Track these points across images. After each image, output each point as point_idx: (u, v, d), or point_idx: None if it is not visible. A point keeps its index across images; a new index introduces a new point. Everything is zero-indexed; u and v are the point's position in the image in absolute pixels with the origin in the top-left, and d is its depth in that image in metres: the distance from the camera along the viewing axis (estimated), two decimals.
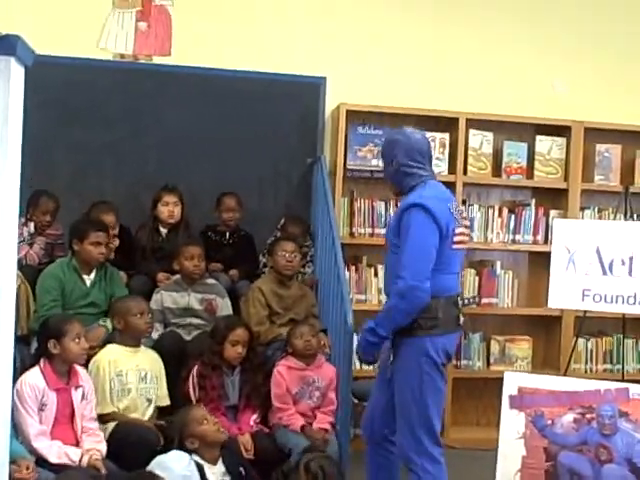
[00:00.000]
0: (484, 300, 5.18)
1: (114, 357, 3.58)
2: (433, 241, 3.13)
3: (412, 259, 3.09)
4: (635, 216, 5.20)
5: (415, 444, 3.18)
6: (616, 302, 3.82)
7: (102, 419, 3.43)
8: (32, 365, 3.27)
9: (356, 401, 4.34)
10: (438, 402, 3.24)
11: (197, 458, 3.17)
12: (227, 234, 4.79)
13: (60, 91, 4.74)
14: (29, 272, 4.02)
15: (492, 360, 5.20)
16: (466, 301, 4.73)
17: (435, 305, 3.17)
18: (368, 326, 3.21)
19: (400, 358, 3.21)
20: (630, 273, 3.81)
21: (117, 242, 4.34)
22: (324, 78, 5.09)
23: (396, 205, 5.05)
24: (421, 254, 3.11)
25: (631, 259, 3.80)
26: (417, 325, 3.15)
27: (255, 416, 3.77)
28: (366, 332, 3.21)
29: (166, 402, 3.71)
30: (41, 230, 4.41)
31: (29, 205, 4.37)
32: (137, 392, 3.58)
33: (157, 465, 3.03)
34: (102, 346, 3.69)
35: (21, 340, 3.78)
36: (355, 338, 3.61)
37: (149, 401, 3.63)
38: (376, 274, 4.98)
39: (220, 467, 3.24)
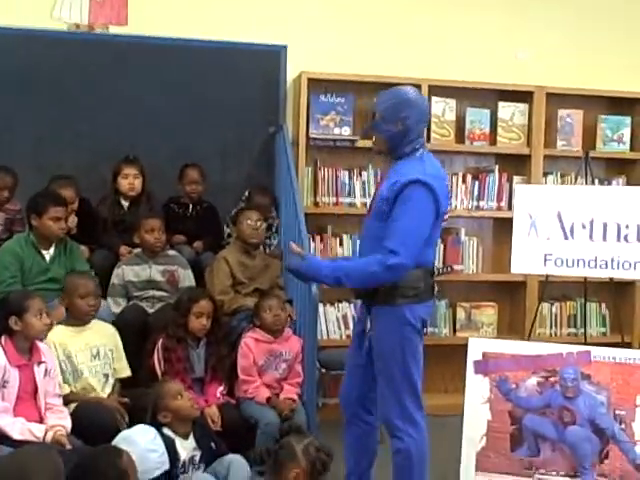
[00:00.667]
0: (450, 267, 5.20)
1: (60, 339, 3.51)
2: (430, 221, 3.11)
3: (409, 237, 3.04)
4: (596, 181, 5.26)
5: (400, 410, 3.20)
6: (577, 266, 3.86)
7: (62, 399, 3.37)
8: None
9: (324, 370, 4.36)
10: (420, 367, 3.27)
11: (169, 432, 3.15)
12: (190, 206, 4.74)
13: (15, 63, 4.66)
14: None
15: (458, 326, 5.25)
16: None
17: (417, 276, 3.16)
18: (331, 266, 3.13)
19: (380, 327, 3.20)
20: (591, 237, 3.84)
21: (75, 220, 4.27)
22: (285, 46, 5.03)
23: (360, 174, 5.05)
24: (418, 234, 3.07)
25: (591, 223, 3.83)
26: (398, 294, 3.14)
27: (221, 388, 3.75)
28: (325, 270, 3.10)
29: (126, 373, 3.68)
30: (0, 206, 4.32)
31: None
32: (90, 371, 3.53)
33: (122, 439, 3.00)
34: None
35: None
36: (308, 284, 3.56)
37: (106, 376, 3.59)
38: (341, 243, 4.98)
39: (191, 442, 3.22)
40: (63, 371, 3.46)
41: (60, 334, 3.53)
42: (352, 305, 4.95)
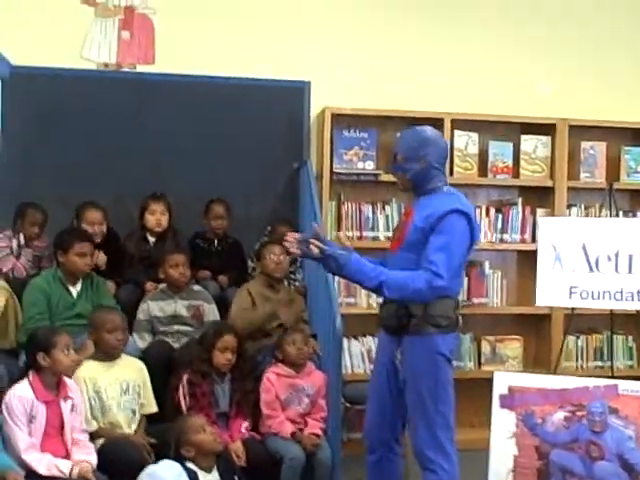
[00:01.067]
0: (474, 300, 5.19)
1: (90, 374, 3.53)
2: (466, 250, 3.24)
3: (453, 262, 3.14)
4: (620, 212, 5.24)
5: (433, 442, 3.20)
6: (603, 298, 3.85)
7: (90, 436, 3.39)
8: (21, 378, 3.25)
9: (348, 405, 4.34)
10: (452, 399, 3.29)
11: (192, 466, 3.16)
12: (215, 241, 4.78)
13: (45, 102, 4.73)
14: (17, 285, 4.00)
15: (483, 360, 5.21)
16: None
17: (450, 306, 3.23)
18: (373, 273, 3.11)
19: (412, 357, 3.22)
20: (616, 269, 3.83)
21: (104, 259, 4.33)
22: (308, 82, 5.08)
23: (383, 208, 5.08)
24: (458, 262, 3.20)
25: (617, 255, 3.83)
26: (431, 324, 3.18)
27: (246, 423, 3.75)
28: (368, 273, 3.11)
29: (153, 409, 3.69)
30: (29, 242, 4.40)
31: (17, 217, 4.37)
32: (119, 406, 3.54)
33: (147, 475, 3.02)
34: None
35: (10, 354, 3.79)
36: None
37: (133, 412, 3.60)
38: None
39: (215, 475, 3.24)
40: (92, 407, 3.48)
41: (90, 369, 3.56)
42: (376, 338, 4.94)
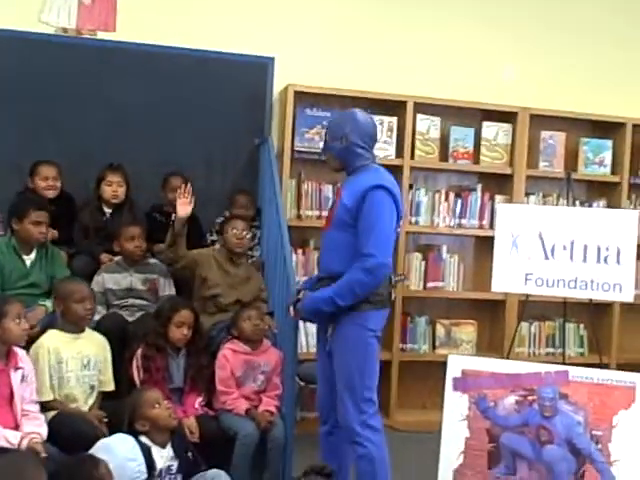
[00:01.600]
0: (430, 284, 5.23)
1: (54, 344, 3.47)
2: (394, 224, 3.33)
3: (381, 238, 3.24)
4: (577, 202, 5.32)
5: (359, 415, 3.31)
6: (558, 286, 3.89)
7: (42, 407, 3.32)
8: None
9: (302, 384, 4.34)
10: (377, 375, 3.40)
11: (146, 440, 3.12)
12: (173, 215, 4.71)
13: (1, 64, 4.61)
14: None
15: (438, 343, 5.26)
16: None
17: (383, 282, 3.33)
18: (323, 295, 3.30)
19: (343, 331, 3.32)
20: (571, 258, 3.87)
21: (55, 233, 4.24)
22: (272, 58, 5.03)
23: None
24: (388, 234, 3.29)
25: (572, 244, 3.87)
26: (364, 300, 3.28)
27: (200, 399, 3.72)
28: (320, 300, 3.31)
29: (111, 387, 3.63)
30: None
31: None
32: (78, 380, 3.48)
33: (100, 448, 2.97)
34: (43, 330, 3.58)
35: None
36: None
37: (92, 388, 3.54)
38: None
39: (169, 451, 3.19)
40: (51, 377, 3.41)
41: (54, 339, 3.50)
42: None
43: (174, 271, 4.25)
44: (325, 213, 5.00)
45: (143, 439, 3.12)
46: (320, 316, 3.39)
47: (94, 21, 4.92)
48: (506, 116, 5.34)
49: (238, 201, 4.73)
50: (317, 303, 3.33)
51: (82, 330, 3.60)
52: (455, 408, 3.60)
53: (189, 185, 4.18)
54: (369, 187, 3.25)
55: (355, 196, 3.28)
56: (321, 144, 4.90)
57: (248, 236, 4.31)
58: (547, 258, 3.92)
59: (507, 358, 4.24)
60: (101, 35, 4.92)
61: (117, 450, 2.96)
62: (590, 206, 5.45)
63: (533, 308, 5.03)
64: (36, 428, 3.15)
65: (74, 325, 3.57)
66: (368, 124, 3.44)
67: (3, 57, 4.62)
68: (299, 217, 5.00)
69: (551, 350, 5.41)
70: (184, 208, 4.10)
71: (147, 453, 3.07)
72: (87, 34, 4.91)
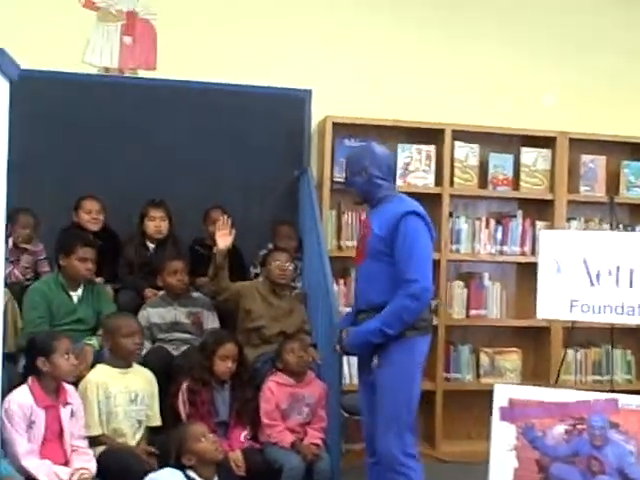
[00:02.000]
0: (472, 312, 5.19)
1: (103, 379, 3.51)
2: (430, 248, 3.37)
3: (421, 263, 3.25)
4: (621, 226, 5.25)
5: (401, 444, 3.28)
6: (604, 312, 3.83)
7: (90, 442, 3.36)
8: (20, 383, 3.21)
9: (346, 415, 4.32)
10: (418, 401, 3.41)
11: (193, 474, 3.13)
12: (214, 248, 4.74)
13: (44, 106, 4.71)
14: (15, 289, 3.97)
15: (482, 372, 5.19)
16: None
17: (426, 307, 3.34)
18: (369, 327, 3.29)
19: (390, 359, 3.30)
20: (617, 283, 3.81)
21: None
22: (310, 91, 5.10)
23: None
24: (427, 259, 3.30)
25: (618, 269, 3.81)
26: (409, 326, 3.27)
27: (245, 432, 3.72)
28: (368, 333, 3.29)
29: (158, 422, 3.65)
30: (22, 245, 4.34)
31: (7, 222, 4.30)
32: (125, 415, 3.51)
33: None
34: (92, 366, 3.63)
35: (8, 358, 3.74)
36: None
37: (139, 423, 3.56)
38: None
39: None
40: (99, 412, 3.45)
41: (102, 374, 3.54)
42: None
43: (217, 304, 4.28)
44: None
45: (190, 473, 3.13)
46: (368, 348, 3.36)
47: (135, 60, 5.03)
48: (545, 141, 5.31)
49: (281, 232, 4.77)
50: (365, 336, 3.32)
51: (130, 365, 3.64)
52: (502, 438, 3.54)
53: (228, 217, 4.21)
54: (402, 213, 3.28)
55: (387, 225, 3.30)
56: None
57: (291, 268, 4.32)
58: (592, 284, 3.86)
59: (554, 386, 4.19)
60: (142, 73, 5.02)
61: None
62: (634, 230, 5.37)
63: (578, 334, 4.97)
64: (85, 464, 3.19)
65: (122, 360, 3.62)
66: (385, 155, 3.51)
67: (48, 98, 4.72)
68: (339, 248, 5.01)
69: (598, 377, 5.31)
70: (224, 240, 4.14)
71: None
72: (129, 73, 5.02)
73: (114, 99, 4.88)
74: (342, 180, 3.71)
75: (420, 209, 3.36)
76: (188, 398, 3.65)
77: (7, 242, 4.28)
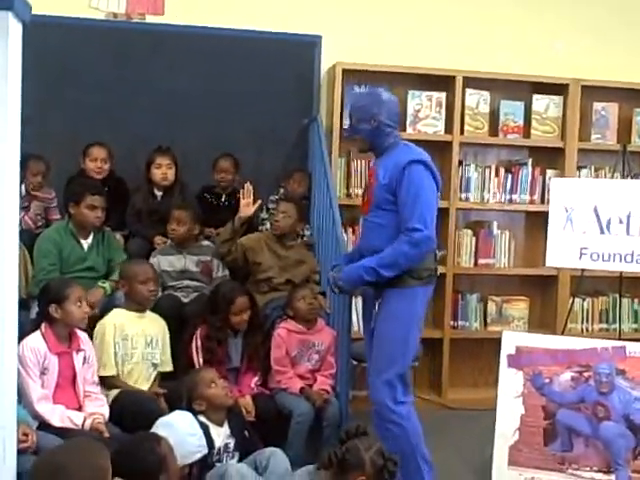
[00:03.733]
0: (481, 261, 5.19)
1: (120, 321, 3.56)
2: (435, 197, 3.34)
3: (424, 212, 3.23)
4: (632, 174, 5.21)
5: (392, 393, 3.29)
6: (614, 260, 3.84)
7: (105, 382, 3.42)
8: (33, 329, 3.24)
9: (355, 363, 4.36)
10: (415, 352, 3.44)
11: (204, 419, 3.19)
12: (223, 196, 4.76)
13: (51, 51, 4.65)
14: (26, 237, 3.96)
15: (489, 320, 5.21)
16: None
17: (430, 257, 3.34)
18: (365, 264, 3.29)
19: (389, 307, 3.31)
20: (627, 231, 3.82)
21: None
22: (320, 37, 5.03)
23: None
24: (431, 207, 3.27)
25: (628, 217, 3.82)
26: (413, 276, 3.27)
27: (256, 378, 3.77)
28: (362, 269, 3.29)
29: (169, 367, 3.69)
30: (33, 192, 4.37)
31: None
32: (142, 357, 3.57)
33: (161, 425, 3.03)
34: (107, 310, 3.67)
35: (20, 305, 3.77)
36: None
37: (154, 365, 3.62)
38: None
39: (225, 429, 3.26)
40: (115, 353, 3.50)
41: (119, 317, 3.59)
42: None
43: (225, 263, 4.26)
44: None
45: (201, 418, 3.18)
46: (359, 285, 3.37)
47: (143, 5, 4.95)
48: (557, 88, 5.24)
49: (293, 177, 4.78)
50: (358, 271, 3.30)
51: (144, 310, 3.68)
52: (510, 385, 3.59)
53: (250, 186, 4.17)
54: (407, 162, 3.25)
55: (392, 173, 3.28)
56: None
57: (295, 217, 4.31)
58: (603, 232, 3.87)
59: (562, 334, 4.21)
60: (150, 19, 4.95)
61: (177, 426, 3.02)
62: None
63: (585, 283, 4.97)
64: (98, 409, 3.23)
65: (138, 305, 3.66)
66: (394, 103, 3.45)
67: (54, 43, 4.66)
68: (349, 196, 4.99)
69: (604, 326, 5.33)
70: (247, 209, 4.12)
71: (205, 431, 3.14)
72: (136, 18, 4.95)
73: (121, 45, 4.82)
74: (346, 127, 3.59)
75: (426, 157, 3.32)
76: (203, 345, 3.67)
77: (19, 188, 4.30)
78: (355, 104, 3.50)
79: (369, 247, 3.40)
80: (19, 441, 2.68)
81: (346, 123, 4.83)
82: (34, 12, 2.47)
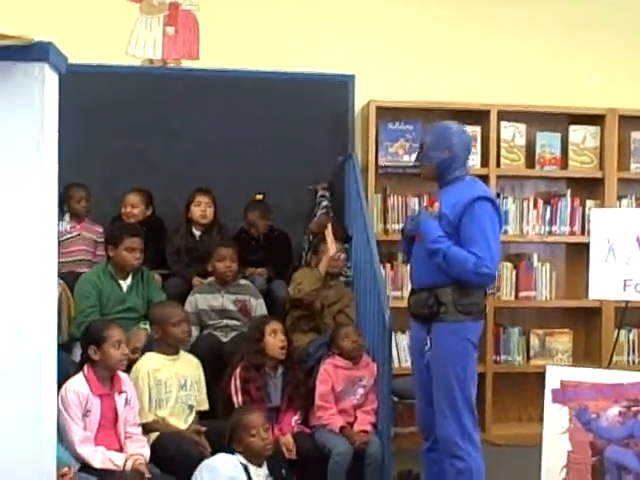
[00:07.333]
0: (522, 293, 5.13)
1: (153, 366, 3.56)
2: (499, 237, 3.37)
3: (493, 251, 3.26)
4: None
5: (460, 430, 3.28)
6: None
7: (144, 427, 3.42)
8: (76, 372, 3.28)
9: (396, 399, 4.32)
10: (475, 387, 3.40)
11: (242, 459, 3.18)
12: (261, 235, 4.78)
13: (89, 98, 4.73)
14: (70, 279, 4.03)
15: (532, 354, 5.13)
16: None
17: (480, 293, 3.36)
18: (440, 240, 3.27)
19: (442, 344, 3.30)
20: None
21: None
22: (353, 75, 5.07)
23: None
24: (497, 246, 3.30)
25: None
26: (462, 311, 3.28)
27: (296, 417, 3.76)
28: (433, 235, 3.30)
29: (205, 406, 3.70)
30: (79, 219, 4.47)
31: (62, 200, 4.32)
32: (177, 400, 3.56)
33: (205, 467, 3.04)
34: (142, 353, 3.69)
35: (63, 348, 3.83)
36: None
37: (190, 408, 3.61)
38: None
39: (264, 469, 3.25)
40: (150, 399, 3.50)
41: (152, 361, 3.59)
42: None
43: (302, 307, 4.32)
44: None
45: (241, 458, 3.17)
46: (421, 236, 3.38)
47: (179, 50, 5.05)
48: (593, 119, 5.20)
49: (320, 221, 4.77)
50: (433, 234, 3.29)
51: (178, 352, 3.68)
52: (555, 421, 3.51)
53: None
54: (474, 198, 3.27)
55: (456, 206, 3.29)
56: (405, 157, 4.97)
57: (343, 257, 4.33)
58: None
59: (607, 367, 4.12)
60: (185, 64, 5.05)
61: (221, 468, 3.02)
62: None
63: (630, 315, 4.87)
64: (139, 450, 3.24)
65: (172, 348, 3.66)
66: (469, 138, 3.55)
67: (92, 90, 4.74)
68: (386, 231, 4.98)
69: None
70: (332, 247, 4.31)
71: (245, 469, 3.13)
72: (172, 64, 5.05)
73: (158, 90, 4.91)
74: (416, 152, 3.66)
75: (491, 193, 3.37)
76: (241, 385, 3.66)
77: (63, 219, 4.37)
78: (432, 132, 3.57)
79: (417, 280, 3.46)
80: None
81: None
82: (72, 61, 2.54)
